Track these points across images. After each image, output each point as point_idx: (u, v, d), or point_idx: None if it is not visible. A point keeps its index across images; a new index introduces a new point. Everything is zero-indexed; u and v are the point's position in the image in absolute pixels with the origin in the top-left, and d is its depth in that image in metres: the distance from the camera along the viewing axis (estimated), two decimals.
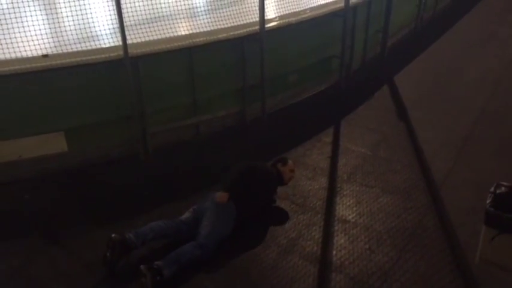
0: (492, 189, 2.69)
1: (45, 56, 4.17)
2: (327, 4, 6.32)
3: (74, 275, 3.34)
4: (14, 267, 3.39)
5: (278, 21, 5.52)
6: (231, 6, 5.29)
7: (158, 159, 4.81)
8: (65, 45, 4.16)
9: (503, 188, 2.70)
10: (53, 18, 4.33)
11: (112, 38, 4.56)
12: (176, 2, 4.85)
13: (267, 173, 4.01)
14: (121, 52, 4.30)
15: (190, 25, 5.19)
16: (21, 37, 3.99)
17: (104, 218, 3.94)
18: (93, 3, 4.39)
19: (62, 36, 4.21)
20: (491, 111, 5.81)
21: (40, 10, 4.28)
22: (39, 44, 4.07)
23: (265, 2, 5.03)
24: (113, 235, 3.30)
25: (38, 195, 4.25)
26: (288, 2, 5.82)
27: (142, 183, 4.45)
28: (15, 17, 3.93)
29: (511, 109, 5.82)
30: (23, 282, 3.28)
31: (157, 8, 4.67)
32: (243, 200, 3.69)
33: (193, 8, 5.29)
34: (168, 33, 4.67)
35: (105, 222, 3.88)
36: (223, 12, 5.15)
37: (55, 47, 4.16)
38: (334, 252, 3.52)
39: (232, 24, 5.10)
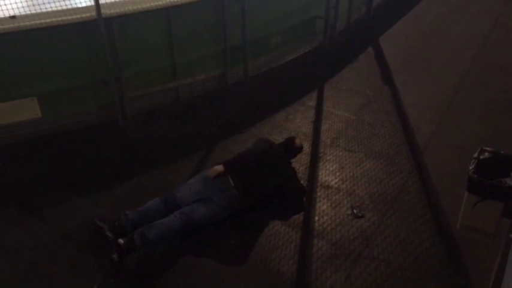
0: (476, 154, 2.64)
1: (13, 17, 3.94)
2: None
3: (53, 246, 3.26)
4: None
5: None
6: None
7: (137, 125, 4.69)
8: (33, 5, 3.92)
9: (486, 154, 2.65)
10: None
11: None
12: None
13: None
14: (94, 13, 4.08)
15: None
16: None
17: (82, 187, 3.84)
18: None
19: None
20: (475, 74, 5.75)
21: None
22: (5, 5, 3.83)
23: None
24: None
25: (12, 163, 4.12)
26: None
27: (121, 150, 4.33)
28: None
29: (496, 72, 5.76)
30: (1, 253, 3.20)
31: None
32: (247, 187, 3.42)
33: None
34: None
35: (83, 190, 3.79)
36: None
37: (22, 7, 3.91)
38: (316, 218, 3.50)
39: None
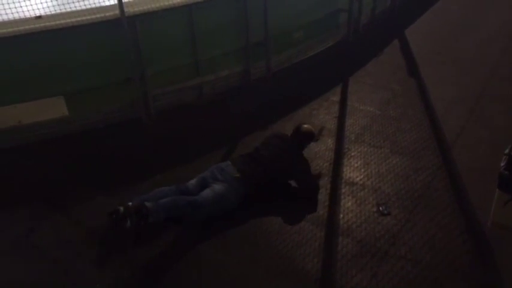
0: (507, 151, 2.55)
1: (39, 17, 4.00)
2: None
3: (78, 243, 3.31)
4: (18, 236, 3.36)
5: None
6: None
7: (161, 123, 4.71)
8: (58, 5, 3.97)
9: None
10: None
11: None
12: None
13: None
14: (117, 11, 4.11)
15: None
16: None
17: (107, 184, 3.87)
18: None
19: None
20: (505, 66, 5.56)
21: None
22: (31, 5, 3.90)
23: None
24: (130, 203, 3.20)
25: (39, 161, 4.19)
26: None
27: (146, 148, 4.36)
28: None
29: None
30: (27, 251, 3.26)
31: None
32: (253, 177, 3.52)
33: None
34: None
35: (109, 188, 3.82)
36: None
37: (48, 7, 3.97)
38: (341, 215, 3.44)
39: None
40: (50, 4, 3.98)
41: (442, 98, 4.92)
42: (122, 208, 3.09)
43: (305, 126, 3.86)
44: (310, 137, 3.88)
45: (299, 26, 5.71)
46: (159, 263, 3.09)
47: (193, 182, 3.54)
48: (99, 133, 4.53)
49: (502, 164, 2.45)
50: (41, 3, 3.95)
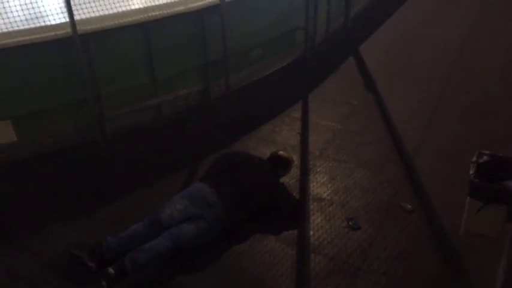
0: (474, 158, 2.56)
1: None
2: None
3: (33, 278, 3.04)
4: None
5: None
6: None
7: (118, 145, 4.49)
8: (4, 24, 3.74)
9: (485, 157, 2.57)
10: None
11: (60, 16, 4.15)
12: None
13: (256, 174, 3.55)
14: (69, 30, 3.92)
15: None
16: None
17: (62, 212, 3.63)
18: None
19: (6, 13, 3.78)
20: (457, 77, 5.77)
21: None
22: None
23: None
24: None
25: None
26: None
27: (102, 172, 4.13)
28: None
29: (477, 74, 5.78)
30: None
31: None
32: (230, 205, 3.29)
33: None
34: (121, 7, 4.30)
35: (66, 216, 3.58)
36: None
37: None
38: (311, 232, 3.37)
39: None
40: None
41: (400, 111, 5.01)
42: (92, 265, 2.96)
43: (281, 153, 3.80)
44: (289, 163, 3.81)
45: (257, 44, 5.69)
46: None
47: (168, 212, 3.20)
48: (51, 158, 4.25)
49: (472, 172, 2.46)
50: None
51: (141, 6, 4.59)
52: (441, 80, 5.68)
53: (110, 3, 4.22)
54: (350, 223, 3.42)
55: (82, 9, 4.03)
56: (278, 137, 4.62)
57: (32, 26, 3.94)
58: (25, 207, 3.70)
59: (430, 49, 6.66)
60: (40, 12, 4.02)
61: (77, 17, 3.94)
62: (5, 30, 3.77)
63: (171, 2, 4.68)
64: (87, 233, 3.38)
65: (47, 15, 4.10)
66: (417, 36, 7.22)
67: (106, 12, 4.19)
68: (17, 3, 3.80)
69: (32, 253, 3.25)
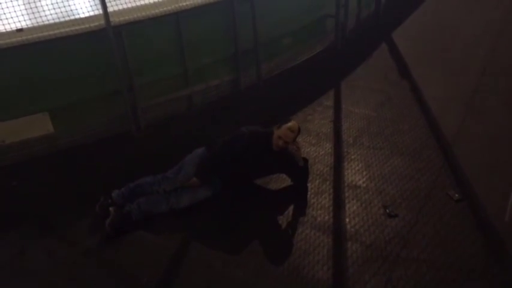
0: None
1: (20, 30, 3.83)
2: None
3: (72, 264, 3.10)
4: (9, 259, 3.15)
5: None
6: None
7: (151, 135, 4.54)
8: (40, 17, 3.81)
9: None
10: None
11: (93, 8, 4.21)
12: None
13: (247, 138, 3.63)
14: (102, 21, 3.96)
15: None
16: None
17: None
18: None
19: (37, 7, 3.85)
20: (495, 62, 5.55)
21: None
22: (11, 18, 3.73)
23: None
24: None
25: (26, 181, 3.97)
26: None
27: (137, 162, 4.17)
28: None
29: None
30: (20, 275, 3.04)
31: None
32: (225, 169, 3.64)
33: None
34: None
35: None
36: None
37: (29, 19, 3.80)
38: (347, 220, 3.31)
39: None
40: (32, 16, 3.80)
41: (436, 97, 4.86)
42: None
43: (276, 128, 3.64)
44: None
45: (288, 32, 5.62)
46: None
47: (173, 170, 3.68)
48: (87, 149, 4.33)
49: None
50: (22, 15, 3.77)
51: None
52: (478, 66, 5.47)
53: None
54: (387, 210, 3.34)
55: (114, 0, 4.06)
56: (311, 126, 4.55)
57: (67, 18, 4.00)
58: (63, 197, 3.76)
59: (465, 35, 6.44)
60: (71, 10, 4.11)
61: (109, 9, 3.97)
62: (40, 23, 3.83)
63: None
64: None
65: (78, 14, 4.18)
66: (452, 20, 7.00)
67: (137, 4, 4.21)
68: (48, 2, 3.88)
69: (71, 241, 3.30)
